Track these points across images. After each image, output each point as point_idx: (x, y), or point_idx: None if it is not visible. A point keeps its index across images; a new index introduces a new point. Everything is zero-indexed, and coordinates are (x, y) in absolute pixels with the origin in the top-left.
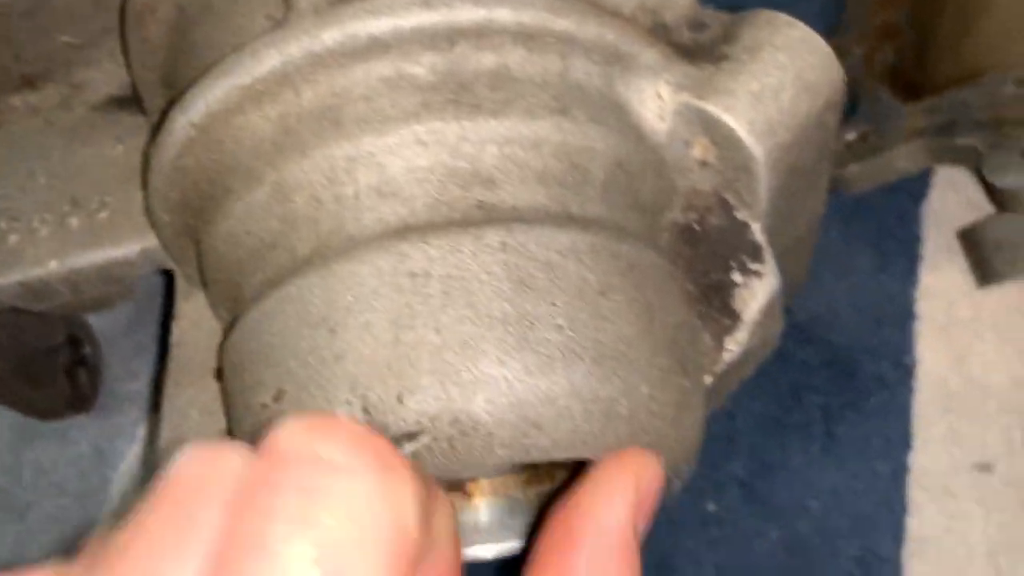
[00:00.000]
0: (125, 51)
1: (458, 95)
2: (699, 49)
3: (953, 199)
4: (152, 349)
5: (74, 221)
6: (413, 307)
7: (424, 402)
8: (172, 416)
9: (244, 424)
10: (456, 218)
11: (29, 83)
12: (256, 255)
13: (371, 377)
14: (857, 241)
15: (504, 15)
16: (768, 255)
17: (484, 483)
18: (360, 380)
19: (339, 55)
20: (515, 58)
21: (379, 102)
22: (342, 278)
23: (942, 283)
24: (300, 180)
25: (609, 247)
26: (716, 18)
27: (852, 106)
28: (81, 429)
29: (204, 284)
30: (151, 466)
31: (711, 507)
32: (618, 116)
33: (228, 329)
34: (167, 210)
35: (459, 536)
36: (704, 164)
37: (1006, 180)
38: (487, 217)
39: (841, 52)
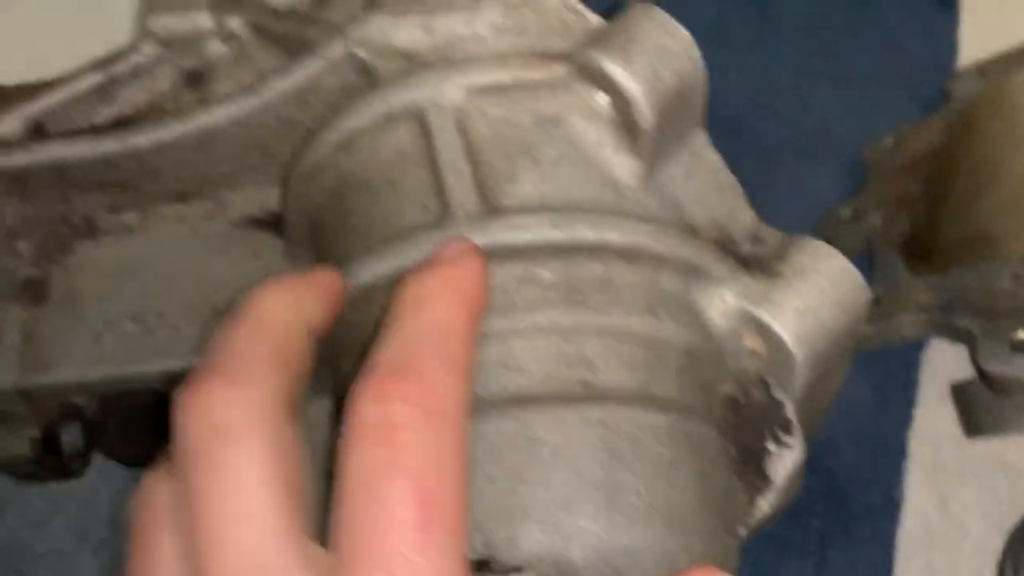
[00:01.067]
0: (285, 192)
1: (571, 295)
2: (756, 261)
3: (950, 353)
4: None
5: (213, 324)
6: (528, 466)
7: (531, 545)
8: None
9: None
10: (564, 392)
11: (181, 198)
12: None
13: (491, 519)
14: (861, 382)
15: (614, 237)
16: (797, 430)
17: None
18: (481, 521)
19: (484, 255)
20: (618, 269)
21: (511, 295)
22: (473, 433)
23: (933, 428)
24: None
25: (680, 426)
26: (772, 234)
27: (868, 267)
28: None
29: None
30: None
31: None
32: (690, 315)
33: None
34: (319, 345)
35: None
36: (752, 352)
37: (992, 367)
38: (588, 394)
39: (861, 216)
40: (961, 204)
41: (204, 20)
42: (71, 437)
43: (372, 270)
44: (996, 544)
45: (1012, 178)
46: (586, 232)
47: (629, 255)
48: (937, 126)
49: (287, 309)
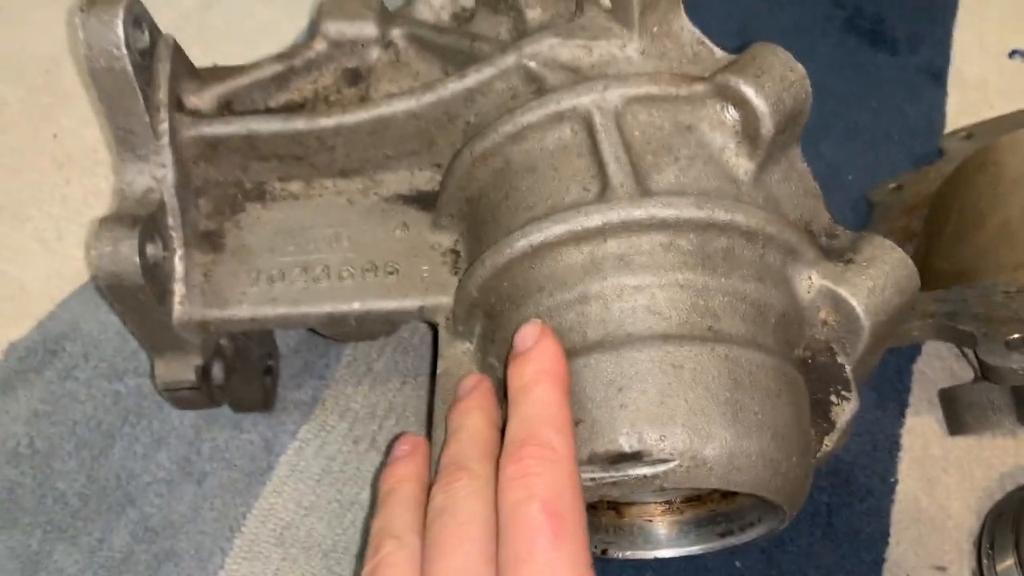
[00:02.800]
0: (447, 174)
1: (704, 260)
2: (831, 251)
3: (938, 366)
4: (316, 368)
5: (371, 277)
6: (672, 385)
7: (677, 443)
8: (441, 426)
9: None
10: (696, 335)
11: (343, 173)
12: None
13: (644, 421)
14: (863, 387)
15: (740, 219)
16: (854, 387)
17: (663, 506)
18: (637, 422)
19: (640, 225)
20: (738, 244)
21: (657, 257)
22: (627, 359)
23: (922, 427)
24: (598, 293)
25: (780, 367)
26: (844, 232)
27: None
28: (252, 422)
29: (491, 340)
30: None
31: (738, 564)
32: (785, 286)
33: None
34: (479, 290)
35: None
36: (824, 323)
37: (991, 360)
38: (715, 337)
39: None
40: (951, 243)
41: (370, 28)
42: (217, 371)
43: (546, 232)
44: (974, 524)
45: (992, 226)
46: (720, 213)
47: (748, 234)
48: (932, 175)
49: (488, 424)
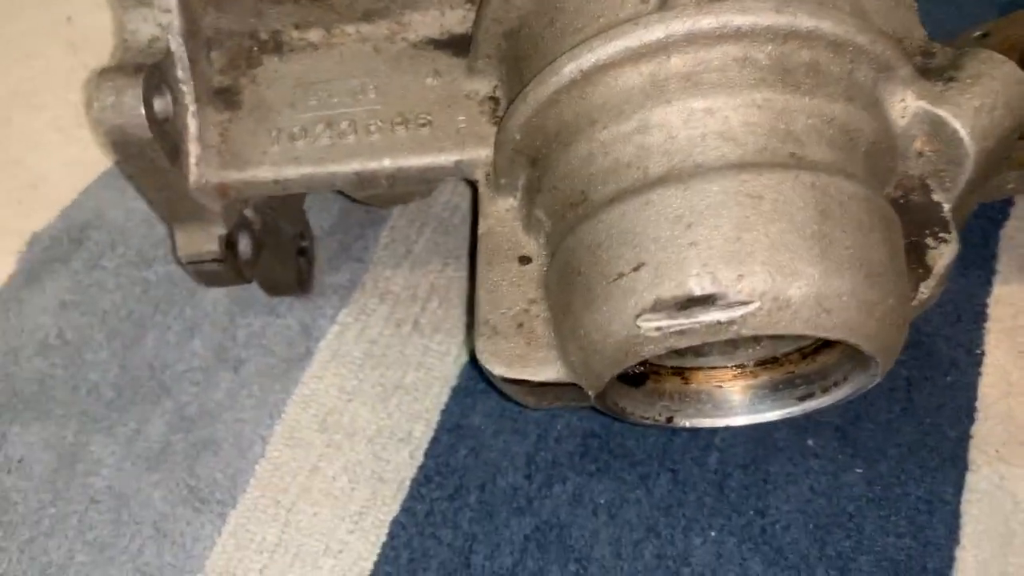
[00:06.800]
0: (482, 6)
1: (784, 77)
2: (928, 71)
3: None
4: (353, 250)
5: (401, 131)
6: (750, 218)
7: (756, 282)
8: (486, 286)
9: (596, 287)
10: (776, 162)
11: (367, 17)
12: (610, 171)
13: (718, 260)
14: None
15: (827, 26)
16: (953, 228)
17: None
18: (710, 261)
19: (708, 36)
20: (824, 57)
21: (730, 73)
22: (697, 191)
23: (1011, 295)
24: (661, 121)
25: (873, 199)
26: (942, 49)
27: None
28: (288, 306)
29: (536, 190)
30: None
31: (810, 442)
32: (876, 109)
33: (570, 222)
34: (522, 132)
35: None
36: (920, 155)
37: None
38: (797, 164)
39: None
40: None
41: None
42: (244, 245)
43: (598, 52)
44: None
45: None
46: (804, 20)
47: (835, 45)
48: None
49: None
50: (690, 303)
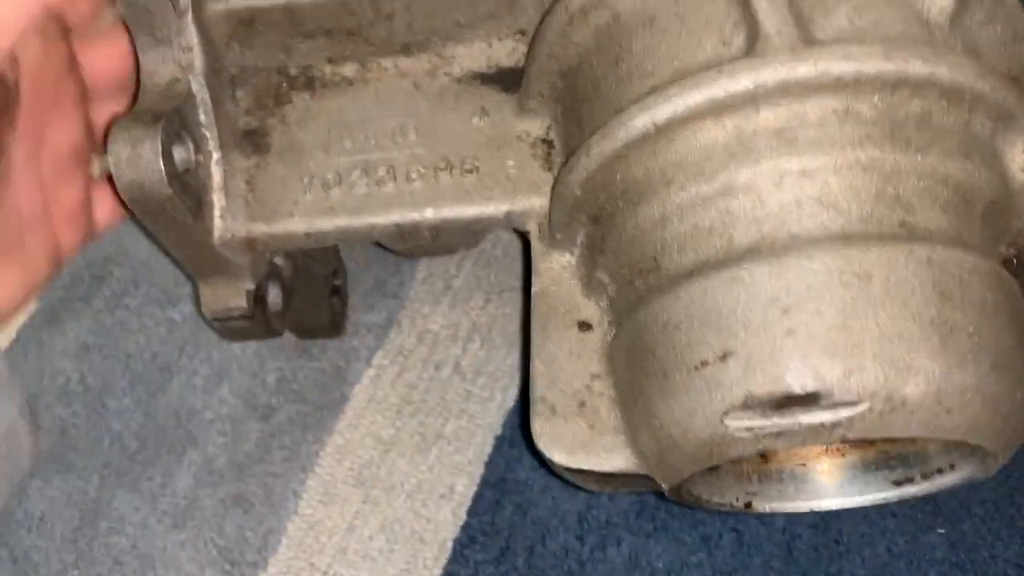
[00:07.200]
0: (536, 40)
1: (892, 132)
2: None
3: None
4: (389, 286)
5: (445, 177)
6: (858, 302)
7: (866, 380)
8: (542, 357)
9: (675, 374)
10: (886, 233)
11: (406, 50)
12: (688, 238)
13: (821, 352)
14: None
15: (943, 73)
16: None
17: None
18: (811, 353)
19: (805, 86)
20: (938, 108)
21: (830, 129)
22: (794, 269)
23: None
24: (749, 183)
25: (996, 272)
26: None
27: None
28: (321, 348)
29: (599, 251)
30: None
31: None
32: (995, 163)
33: (640, 291)
34: (584, 188)
35: None
36: None
37: None
38: (908, 235)
39: None
40: None
41: None
42: (274, 296)
43: (675, 103)
44: None
45: None
46: (917, 66)
47: (952, 93)
48: None
49: None
50: (788, 401)
